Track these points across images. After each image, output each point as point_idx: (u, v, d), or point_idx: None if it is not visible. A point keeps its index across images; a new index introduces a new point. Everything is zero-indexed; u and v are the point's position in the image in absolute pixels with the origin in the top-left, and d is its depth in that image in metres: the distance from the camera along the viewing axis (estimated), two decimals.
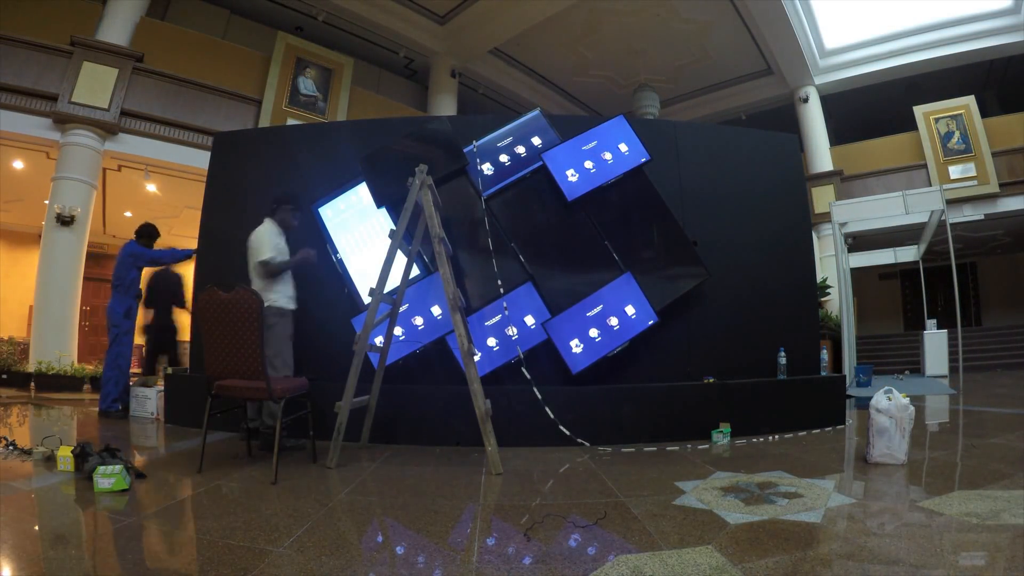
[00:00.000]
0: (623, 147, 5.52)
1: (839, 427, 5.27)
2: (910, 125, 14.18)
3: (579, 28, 13.47)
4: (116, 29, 9.93)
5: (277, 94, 11.76)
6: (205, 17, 12.34)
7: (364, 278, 5.31)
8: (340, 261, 5.44)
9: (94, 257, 13.77)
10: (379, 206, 5.43)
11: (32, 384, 8.78)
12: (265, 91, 11.66)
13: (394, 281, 4.57)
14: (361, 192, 5.49)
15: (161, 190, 12.13)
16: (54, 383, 8.62)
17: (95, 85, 9.43)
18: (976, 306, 18.90)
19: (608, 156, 5.48)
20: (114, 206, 13.37)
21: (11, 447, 4.10)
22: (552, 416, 4.68)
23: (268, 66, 11.84)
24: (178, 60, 10.69)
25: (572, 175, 5.40)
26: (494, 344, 5.09)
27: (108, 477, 3.09)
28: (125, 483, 3.12)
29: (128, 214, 14.16)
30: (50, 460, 3.74)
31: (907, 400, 3.73)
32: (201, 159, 9.08)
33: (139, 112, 10.00)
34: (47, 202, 9.36)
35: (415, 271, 5.20)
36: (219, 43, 11.81)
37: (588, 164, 5.44)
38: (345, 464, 4.01)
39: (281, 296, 4.58)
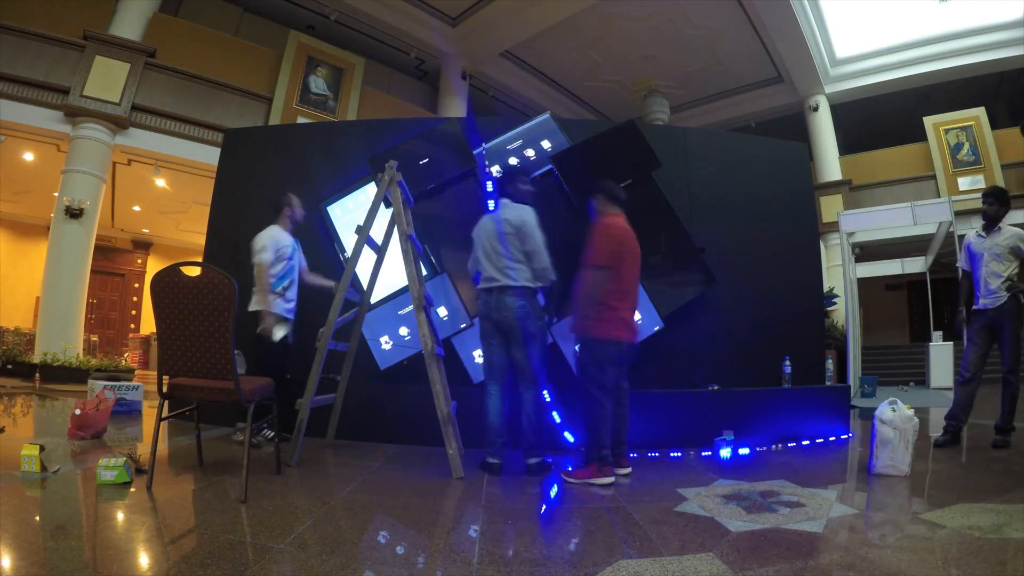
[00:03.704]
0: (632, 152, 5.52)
1: (843, 437, 5.25)
2: (920, 135, 14.13)
3: (590, 33, 13.47)
4: (129, 24, 9.99)
5: (288, 92, 11.79)
6: (218, 14, 12.38)
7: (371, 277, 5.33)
8: (347, 260, 5.43)
9: (102, 250, 13.86)
10: (388, 206, 5.43)
11: (37, 375, 8.81)
12: (276, 89, 11.69)
13: (364, 277, 4.69)
14: (370, 191, 5.48)
15: (170, 185, 12.18)
16: (59, 375, 8.65)
17: (107, 79, 9.47)
18: None
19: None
20: (123, 200, 13.43)
21: None
22: (557, 420, 4.67)
23: (279, 64, 11.87)
24: (190, 56, 10.73)
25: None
26: None
27: (111, 470, 3.10)
28: (128, 476, 3.13)
29: (136, 208, 14.23)
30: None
31: (911, 411, 3.72)
32: (211, 155, 9.11)
33: (150, 107, 10.04)
34: (56, 194, 9.41)
35: (422, 272, 5.20)
36: (231, 40, 11.86)
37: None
38: (348, 462, 4.01)
39: None
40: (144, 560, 2.12)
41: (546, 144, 5.60)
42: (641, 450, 4.62)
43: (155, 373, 3.25)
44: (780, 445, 4.87)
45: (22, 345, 10.14)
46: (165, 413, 3.18)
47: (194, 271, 2.97)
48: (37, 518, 2.57)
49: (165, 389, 3.15)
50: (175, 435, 4.89)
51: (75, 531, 2.41)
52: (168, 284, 3.00)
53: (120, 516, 2.66)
